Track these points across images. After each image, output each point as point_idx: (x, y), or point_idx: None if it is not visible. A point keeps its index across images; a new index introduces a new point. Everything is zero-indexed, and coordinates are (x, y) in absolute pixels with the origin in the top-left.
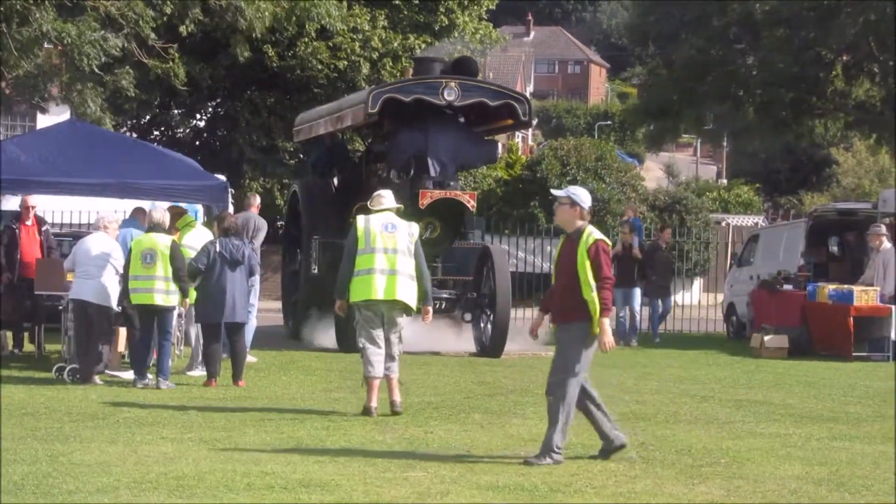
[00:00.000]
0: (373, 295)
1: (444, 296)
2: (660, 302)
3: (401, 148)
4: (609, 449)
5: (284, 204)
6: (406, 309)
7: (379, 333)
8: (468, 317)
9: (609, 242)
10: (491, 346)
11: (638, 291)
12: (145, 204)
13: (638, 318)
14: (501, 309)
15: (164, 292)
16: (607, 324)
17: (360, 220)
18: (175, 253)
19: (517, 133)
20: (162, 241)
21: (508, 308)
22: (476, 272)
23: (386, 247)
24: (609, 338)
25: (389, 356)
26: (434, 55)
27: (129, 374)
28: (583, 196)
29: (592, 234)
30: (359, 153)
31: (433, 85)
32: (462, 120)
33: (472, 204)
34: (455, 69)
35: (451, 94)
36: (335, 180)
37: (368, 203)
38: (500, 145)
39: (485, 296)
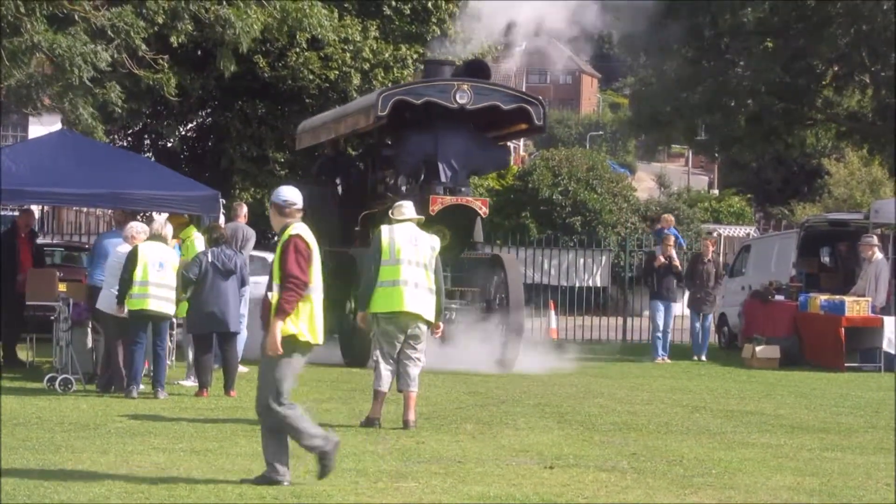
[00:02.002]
0: (397, 307)
1: (454, 307)
2: (701, 316)
3: (410, 152)
4: (326, 461)
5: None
6: (427, 323)
7: (394, 349)
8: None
9: (308, 241)
10: (504, 359)
11: (675, 307)
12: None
13: (669, 334)
14: (515, 321)
15: (171, 301)
16: (278, 326)
17: (385, 230)
18: (179, 264)
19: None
20: (170, 254)
21: (523, 320)
22: (484, 282)
23: (411, 259)
24: (273, 340)
25: (407, 373)
26: (442, 58)
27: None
28: (287, 194)
29: (292, 229)
30: (361, 163)
31: (445, 87)
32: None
33: (484, 211)
34: (467, 71)
35: (463, 97)
36: (339, 188)
37: (390, 213)
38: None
39: (495, 307)
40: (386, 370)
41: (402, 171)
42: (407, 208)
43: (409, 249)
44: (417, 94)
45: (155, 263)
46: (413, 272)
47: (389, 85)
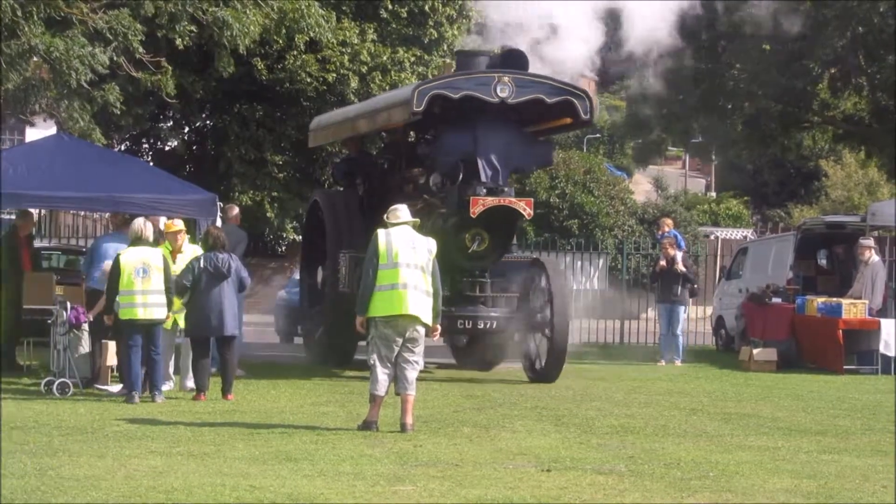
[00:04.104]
0: (396, 310)
1: (494, 314)
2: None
3: (447, 150)
4: None
5: (275, 217)
6: (424, 326)
7: (392, 353)
8: (517, 336)
9: None
10: (546, 370)
11: (682, 309)
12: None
13: (682, 337)
14: (560, 329)
15: (160, 306)
16: None
17: (381, 233)
18: (167, 265)
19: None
20: (153, 255)
21: (567, 327)
22: (524, 287)
23: (408, 262)
24: None
25: (405, 377)
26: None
27: (117, 388)
28: None
29: None
30: (386, 162)
31: (484, 80)
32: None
33: (528, 212)
34: (504, 62)
35: (504, 89)
36: (361, 190)
37: (385, 217)
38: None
39: (537, 316)
40: (383, 374)
41: (438, 170)
42: (402, 211)
43: (407, 252)
44: (455, 87)
45: (137, 270)
46: (411, 275)
47: (388, 90)
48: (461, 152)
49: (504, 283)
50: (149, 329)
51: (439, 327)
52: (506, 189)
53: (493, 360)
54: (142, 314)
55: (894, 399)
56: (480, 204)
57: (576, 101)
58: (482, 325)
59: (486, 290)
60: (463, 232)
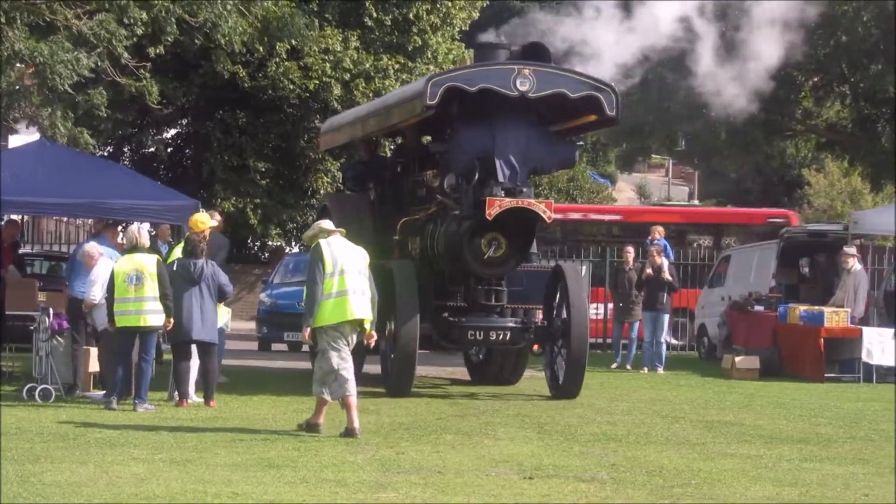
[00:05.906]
0: (346, 316)
1: (510, 325)
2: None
3: (462, 148)
4: None
5: (258, 224)
6: (362, 329)
7: (347, 353)
8: (536, 349)
9: None
10: (565, 385)
11: (666, 317)
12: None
13: (664, 345)
14: (577, 340)
15: (153, 313)
16: None
17: (324, 243)
18: (161, 272)
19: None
20: (147, 261)
21: (586, 339)
22: (547, 297)
23: (352, 268)
24: None
25: (344, 379)
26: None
27: (99, 394)
28: None
29: None
30: (398, 164)
31: (503, 73)
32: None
33: (548, 215)
34: (525, 56)
35: (524, 83)
36: (372, 194)
37: (315, 230)
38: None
39: (557, 325)
40: (349, 373)
41: (452, 170)
42: (327, 223)
43: (350, 260)
44: (472, 79)
45: (130, 277)
46: (357, 281)
47: (371, 98)
48: (477, 150)
49: (522, 292)
50: (143, 336)
51: (375, 334)
52: (524, 190)
53: (511, 376)
54: (135, 322)
55: (894, 407)
56: (497, 205)
57: (601, 97)
58: (494, 337)
59: (502, 298)
60: (478, 236)
